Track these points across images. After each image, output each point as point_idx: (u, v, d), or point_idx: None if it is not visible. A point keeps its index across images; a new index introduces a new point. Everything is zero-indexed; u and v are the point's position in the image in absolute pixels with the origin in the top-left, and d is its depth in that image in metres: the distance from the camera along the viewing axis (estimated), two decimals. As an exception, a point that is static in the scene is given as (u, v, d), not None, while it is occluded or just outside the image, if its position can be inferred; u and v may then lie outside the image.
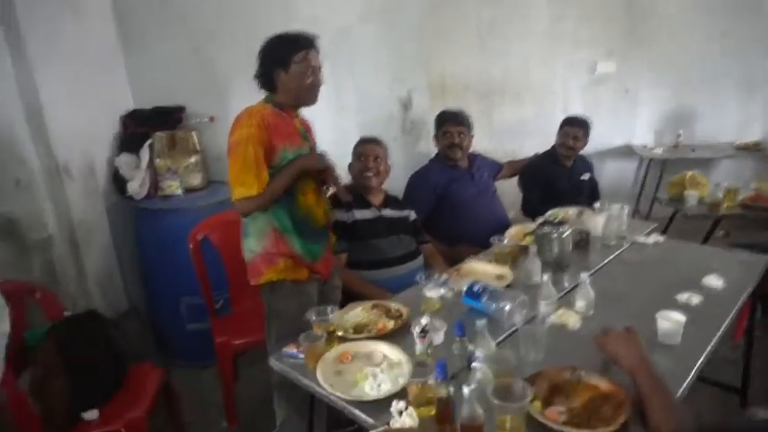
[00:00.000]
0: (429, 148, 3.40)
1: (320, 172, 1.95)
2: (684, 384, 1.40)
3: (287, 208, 1.90)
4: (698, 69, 4.72)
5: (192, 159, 2.94)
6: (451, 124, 2.89)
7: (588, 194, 3.27)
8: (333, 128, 3.13)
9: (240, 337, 2.35)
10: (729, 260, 2.16)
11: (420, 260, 2.50)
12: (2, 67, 2.22)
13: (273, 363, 1.59)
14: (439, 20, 4.28)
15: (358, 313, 1.79)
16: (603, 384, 1.33)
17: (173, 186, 2.84)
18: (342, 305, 1.94)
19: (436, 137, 2.98)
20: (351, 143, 2.54)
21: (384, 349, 1.54)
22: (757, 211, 3.04)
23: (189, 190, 2.91)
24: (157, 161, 2.87)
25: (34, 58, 2.26)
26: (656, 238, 2.39)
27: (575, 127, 3.13)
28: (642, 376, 1.27)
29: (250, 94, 1.94)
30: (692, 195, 3.16)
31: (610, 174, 4.73)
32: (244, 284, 2.05)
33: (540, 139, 4.29)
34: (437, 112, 3.04)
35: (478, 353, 1.27)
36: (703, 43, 4.65)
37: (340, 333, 1.64)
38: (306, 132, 2.01)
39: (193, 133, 2.95)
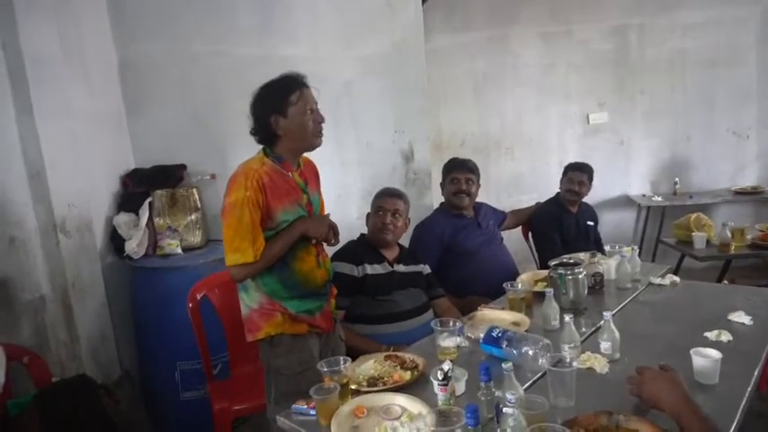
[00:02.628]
0: (432, 200, 3.39)
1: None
2: (733, 426, 1.28)
3: (278, 275, 1.81)
4: (687, 120, 4.85)
5: (192, 217, 2.89)
6: (460, 171, 2.87)
7: (594, 241, 3.24)
8: (336, 183, 3.10)
9: (240, 403, 2.20)
10: (751, 297, 2.08)
11: (430, 313, 2.40)
12: (7, 125, 2.21)
13: (281, 421, 1.46)
14: (437, 72, 4.43)
15: (371, 366, 1.68)
16: (645, 428, 1.22)
17: (172, 245, 2.77)
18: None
19: (442, 184, 2.96)
20: (354, 197, 2.50)
21: (402, 401, 1.42)
22: (769, 249, 3.00)
23: (188, 248, 2.84)
24: (157, 220, 2.82)
25: (40, 116, 2.25)
26: (672, 278, 2.32)
27: (579, 172, 3.15)
28: (690, 419, 1.17)
29: (250, 151, 1.89)
30: (699, 237, 3.12)
31: (609, 224, 4.73)
32: (244, 346, 1.94)
33: (536, 194, 4.35)
34: (438, 165, 3.04)
35: (510, 396, 1.16)
36: (691, 94, 4.81)
37: (353, 386, 1.53)
38: (306, 184, 1.91)
39: (194, 190, 2.92)
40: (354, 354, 1.95)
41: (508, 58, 4.79)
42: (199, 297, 2.34)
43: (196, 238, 2.88)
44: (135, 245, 2.68)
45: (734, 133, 4.86)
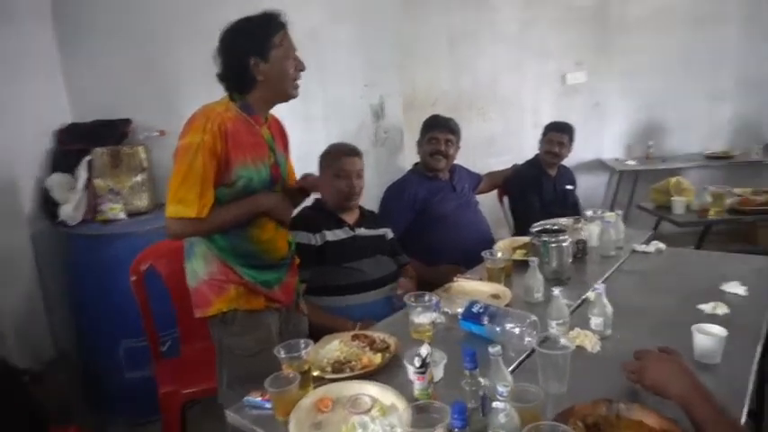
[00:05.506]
0: (405, 161, 3.18)
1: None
2: (744, 410, 1.15)
3: (232, 242, 1.60)
4: (665, 82, 4.71)
5: (138, 178, 2.61)
6: (440, 130, 2.67)
7: (571, 206, 3.11)
8: (299, 141, 2.83)
9: (191, 385, 1.98)
10: (741, 266, 1.97)
11: (400, 282, 2.22)
12: None
13: (231, 416, 1.26)
14: (411, 25, 4.13)
15: (336, 347, 1.48)
16: (651, 419, 1.07)
17: (114, 209, 2.50)
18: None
19: (420, 142, 2.75)
20: (318, 156, 2.27)
21: (372, 391, 1.24)
22: (750, 214, 2.92)
23: (133, 213, 2.57)
24: (97, 181, 2.53)
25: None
26: (657, 245, 2.20)
27: (559, 132, 3.00)
28: (701, 408, 1.02)
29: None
30: (679, 202, 3.01)
31: (581, 188, 4.58)
32: (195, 321, 1.72)
33: (509, 156, 4.17)
34: (410, 125, 2.82)
35: (500, 388, 0.99)
36: (669, 57, 4.65)
37: (316, 373, 1.33)
38: (274, 141, 1.70)
39: (140, 149, 2.63)
40: (319, 332, 1.79)
41: (485, 13, 4.51)
42: (143, 268, 2.10)
43: (142, 201, 2.61)
44: (71, 209, 2.39)
45: (710, 96, 4.76)
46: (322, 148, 2.29)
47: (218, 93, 1.65)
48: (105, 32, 2.63)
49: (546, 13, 4.52)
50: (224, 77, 1.60)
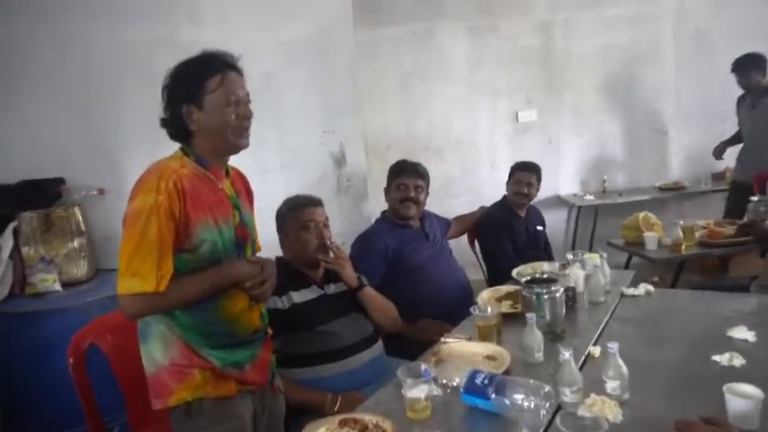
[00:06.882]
0: (370, 210, 3.02)
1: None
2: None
3: (197, 318, 1.37)
4: (612, 116, 4.85)
5: (75, 244, 2.34)
6: (408, 176, 2.53)
7: (543, 247, 3.03)
8: (256, 194, 2.65)
9: (148, 483, 1.69)
10: (737, 306, 1.89)
11: (380, 345, 2.02)
12: None
13: None
14: (361, 68, 4.07)
15: (323, 437, 1.26)
16: None
17: (47, 281, 2.23)
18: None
19: (387, 190, 2.61)
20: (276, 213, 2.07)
21: (377, 498, 1.02)
22: (719, 247, 2.91)
23: (70, 283, 2.31)
24: (25, 249, 2.26)
25: None
26: (646, 287, 2.10)
27: (526, 172, 2.94)
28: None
29: (149, 159, 1.44)
30: (651, 237, 2.97)
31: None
32: (146, 404, 1.47)
33: (468, 197, 4.13)
34: (374, 169, 2.68)
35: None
36: (615, 90, 4.80)
37: (305, 476, 1.10)
38: (238, 197, 1.50)
39: (76, 210, 2.37)
40: (296, 411, 1.58)
41: (435, 54, 4.53)
42: (84, 347, 1.80)
43: (80, 269, 2.34)
44: (-6, 284, 2.08)
45: (654, 129, 4.92)
46: (281, 200, 2.10)
47: (167, 145, 1.44)
48: (33, 79, 2.39)
49: (493, 53, 4.60)
50: (163, 125, 1.42)
